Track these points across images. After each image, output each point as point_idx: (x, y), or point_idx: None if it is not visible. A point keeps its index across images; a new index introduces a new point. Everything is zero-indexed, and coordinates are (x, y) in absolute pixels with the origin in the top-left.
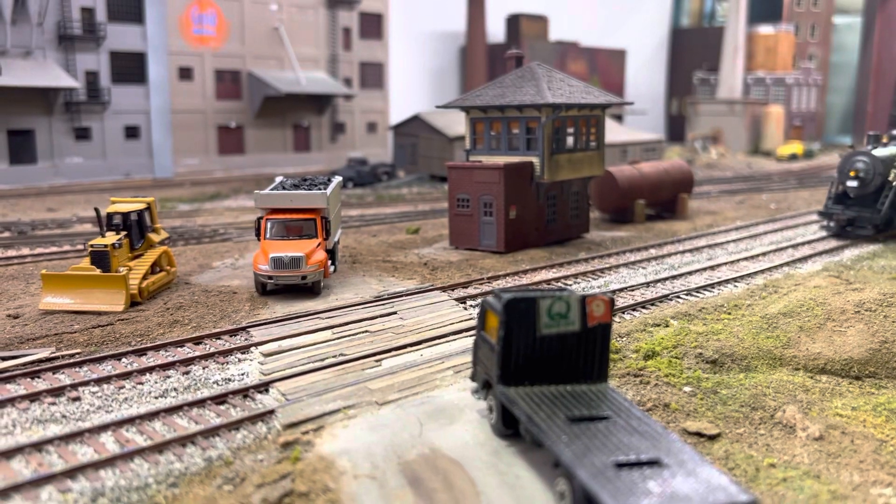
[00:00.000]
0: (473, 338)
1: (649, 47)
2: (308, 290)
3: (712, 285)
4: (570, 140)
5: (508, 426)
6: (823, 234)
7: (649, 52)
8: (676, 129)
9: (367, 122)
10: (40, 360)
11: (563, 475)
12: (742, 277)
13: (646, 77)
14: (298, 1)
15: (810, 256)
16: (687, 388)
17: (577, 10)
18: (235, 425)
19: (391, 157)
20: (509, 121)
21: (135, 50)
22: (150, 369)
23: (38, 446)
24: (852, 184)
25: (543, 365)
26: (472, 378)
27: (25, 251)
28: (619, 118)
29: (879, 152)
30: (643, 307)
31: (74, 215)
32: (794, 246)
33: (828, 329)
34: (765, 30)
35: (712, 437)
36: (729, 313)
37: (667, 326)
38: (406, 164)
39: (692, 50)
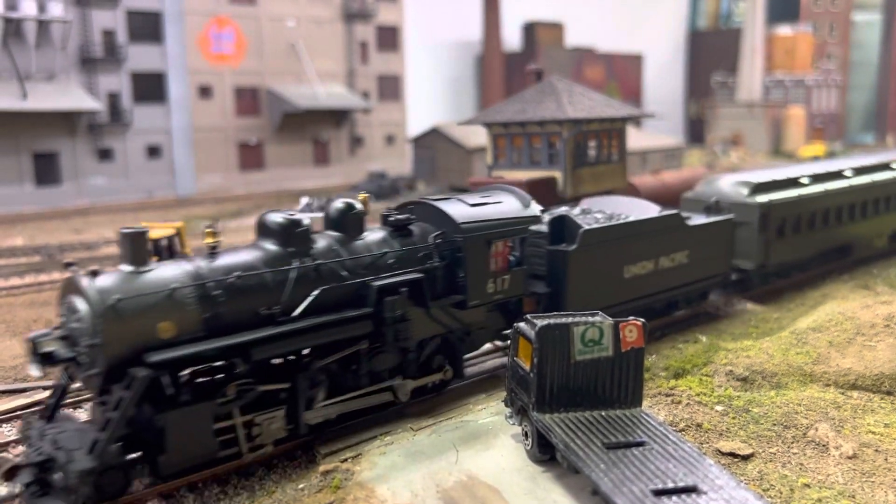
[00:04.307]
0: (506, 362)
1: (666, 51)
2: None
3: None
4: (591, 153)
5: (544, 452)
6: None
7: (667, 56)
8: (696, 132)
9: (386, 134)
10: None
11: None
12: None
13: (664, 81)
14: (315, 16)
15: None
16: (719, 407)
17: (593, 15)
18: (276, 453)
19: (410, 169)
20: (531, 136)
21: (155, 70)
22: None
23: None
24: (34, 371)
25: (577, 391)
26: (506, 403)
27: (56, 275)
28: (637, 123)
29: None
30: (672, 323)
31: (100, 237)
32: None
33: (857, 344)
34: (783, 31)
35: (746, 458)
36: (757, 327)
37: (696, 343)
38: (425, 176)
39: (710, 52)
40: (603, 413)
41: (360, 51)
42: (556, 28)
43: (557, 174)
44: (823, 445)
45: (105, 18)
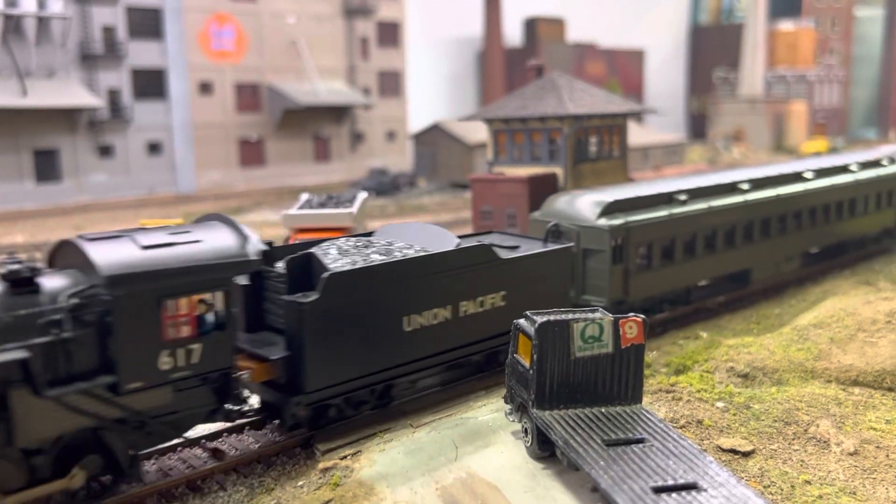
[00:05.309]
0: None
1: (668, 46)
2: None
3: (740, 296)
4: (592, 149)
5: (544, 448)
6: None
7: (668, 51)
8: (698, 128)
9: (386, 130)
10: None
11: (602, 501)
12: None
13: (665, 76)
14: (316, 13)
15: None
16: (720, 404)
17: (594, 10)
18: (275, 451)
19: (410, 166)
20: (532, 132)
21: (155, 66)
22: None
23: None
24: None
25: (577, 387)
26: (506, 400)
27: None
28: (638, 119)
29: None
30: (672, 319)
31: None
32: None
33: (859, 340)
34: (785, 26)
35: (746, 454)
36: (758, 323)
37: (697, 339)
38: (426, 173)
39: (712, 48)
40: (603, 410)
41: (361, 47)
42: (557, 24)
43: (558, 170)
44: (824, 442)
45: (105, 15)
